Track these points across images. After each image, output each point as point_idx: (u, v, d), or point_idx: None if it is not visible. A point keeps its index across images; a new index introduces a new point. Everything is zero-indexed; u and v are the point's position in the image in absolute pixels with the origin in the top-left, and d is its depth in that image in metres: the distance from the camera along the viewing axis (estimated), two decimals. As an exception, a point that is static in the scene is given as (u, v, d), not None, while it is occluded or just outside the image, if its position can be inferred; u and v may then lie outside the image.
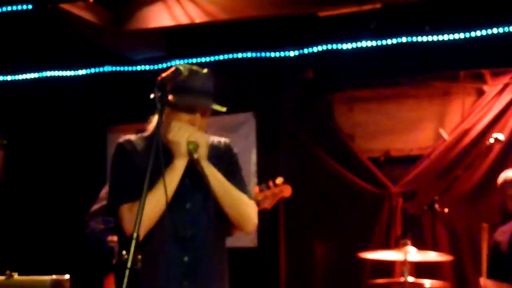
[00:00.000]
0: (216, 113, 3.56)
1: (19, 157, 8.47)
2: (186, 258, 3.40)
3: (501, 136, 6.07)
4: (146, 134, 3.60)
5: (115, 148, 3.50)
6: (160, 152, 3.26)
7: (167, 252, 3.37)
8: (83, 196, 7.19)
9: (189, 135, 3.34)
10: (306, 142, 7.57)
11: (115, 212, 3.37)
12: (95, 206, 5.66)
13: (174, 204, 3.33)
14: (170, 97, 3.32)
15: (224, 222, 3.56)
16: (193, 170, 3.43)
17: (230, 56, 7.44)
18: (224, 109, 3.48)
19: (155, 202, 3.25)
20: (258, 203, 4.66)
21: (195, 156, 3.37)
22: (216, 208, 3.51)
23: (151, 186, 3.24)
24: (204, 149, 3.39)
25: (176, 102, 3.35)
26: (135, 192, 3.20)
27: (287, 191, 4.97)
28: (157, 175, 3.26)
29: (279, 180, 4.93)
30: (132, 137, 3.51)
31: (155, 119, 3.52)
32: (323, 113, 7.65)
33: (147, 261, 3.26)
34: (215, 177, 3.42)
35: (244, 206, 3.57)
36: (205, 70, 3.47)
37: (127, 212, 3.29)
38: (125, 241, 3.20)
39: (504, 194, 5.75)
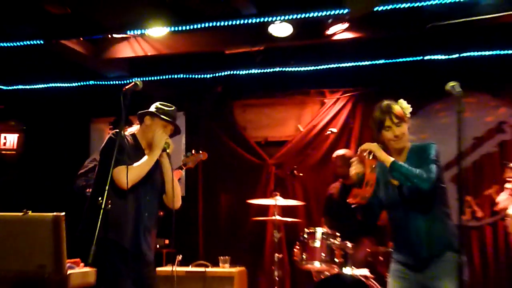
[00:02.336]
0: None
1: (34, 139, 9.09)
2: (146, 214, 3.87)
3: (334, 130, 7.36)
4: (130, 132, 3.95)
5: (110, 139, 3.77)
6: (140, 148, 3.77)
7: (140, 206, 3.81)
8: (72, 170, 6.77)
9: (166, 138, 3.85)
10: (217, 132, 8.37)
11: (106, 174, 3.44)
12: (81, 171, 6.15)
13: (146, 179, 3.79)
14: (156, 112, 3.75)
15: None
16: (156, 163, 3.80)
17: (170, 76, 8.12)
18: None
19: (141, 169, 3.72)
20: (185, 164, 5.22)
21: (168, 151, 3.82)
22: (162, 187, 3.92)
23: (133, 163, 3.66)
24: (171, 149, 3.84)
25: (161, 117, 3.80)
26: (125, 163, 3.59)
27: (204, 155, 5.27)
28: (135, 158, 3.70)
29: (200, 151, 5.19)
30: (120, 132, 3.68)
31: (135, 127, 4.01)
32: (227, 113, 8.50)
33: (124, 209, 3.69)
34: (170, 169, 3.89)
35: (179, 191, 4.02)
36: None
37: (122, 171, 3.57)
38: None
39: (335, 164, 6.55)
